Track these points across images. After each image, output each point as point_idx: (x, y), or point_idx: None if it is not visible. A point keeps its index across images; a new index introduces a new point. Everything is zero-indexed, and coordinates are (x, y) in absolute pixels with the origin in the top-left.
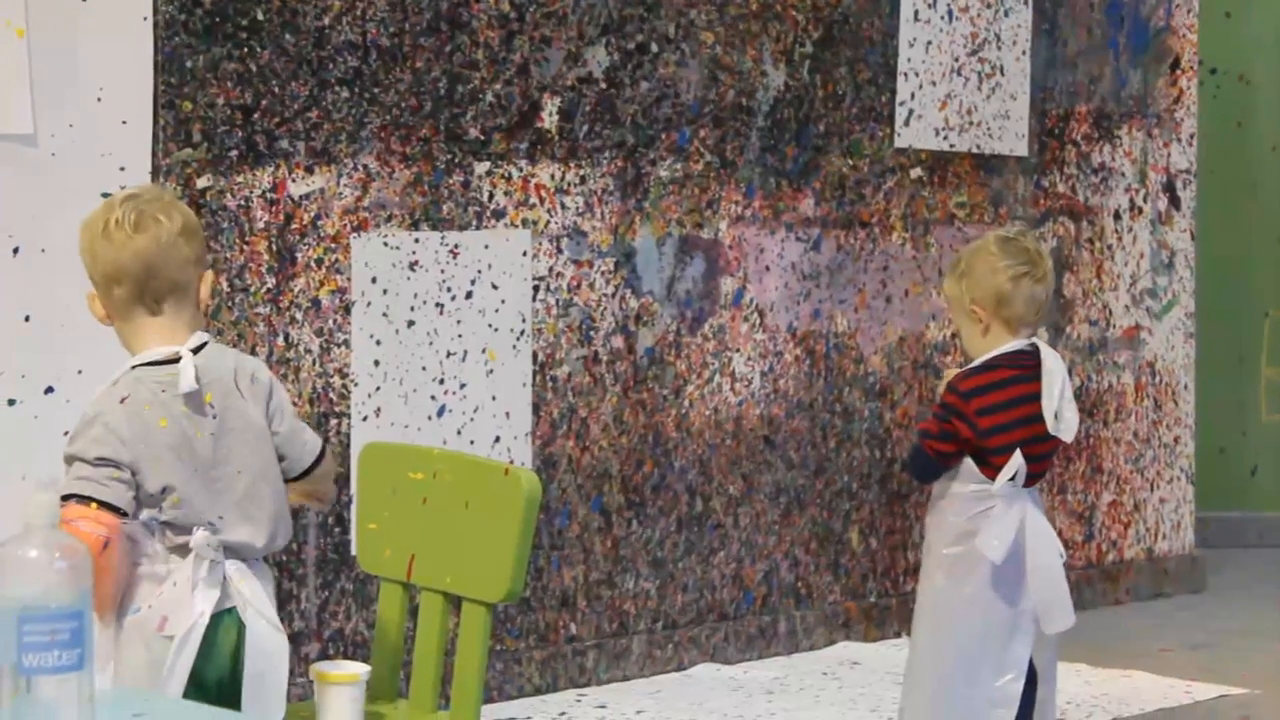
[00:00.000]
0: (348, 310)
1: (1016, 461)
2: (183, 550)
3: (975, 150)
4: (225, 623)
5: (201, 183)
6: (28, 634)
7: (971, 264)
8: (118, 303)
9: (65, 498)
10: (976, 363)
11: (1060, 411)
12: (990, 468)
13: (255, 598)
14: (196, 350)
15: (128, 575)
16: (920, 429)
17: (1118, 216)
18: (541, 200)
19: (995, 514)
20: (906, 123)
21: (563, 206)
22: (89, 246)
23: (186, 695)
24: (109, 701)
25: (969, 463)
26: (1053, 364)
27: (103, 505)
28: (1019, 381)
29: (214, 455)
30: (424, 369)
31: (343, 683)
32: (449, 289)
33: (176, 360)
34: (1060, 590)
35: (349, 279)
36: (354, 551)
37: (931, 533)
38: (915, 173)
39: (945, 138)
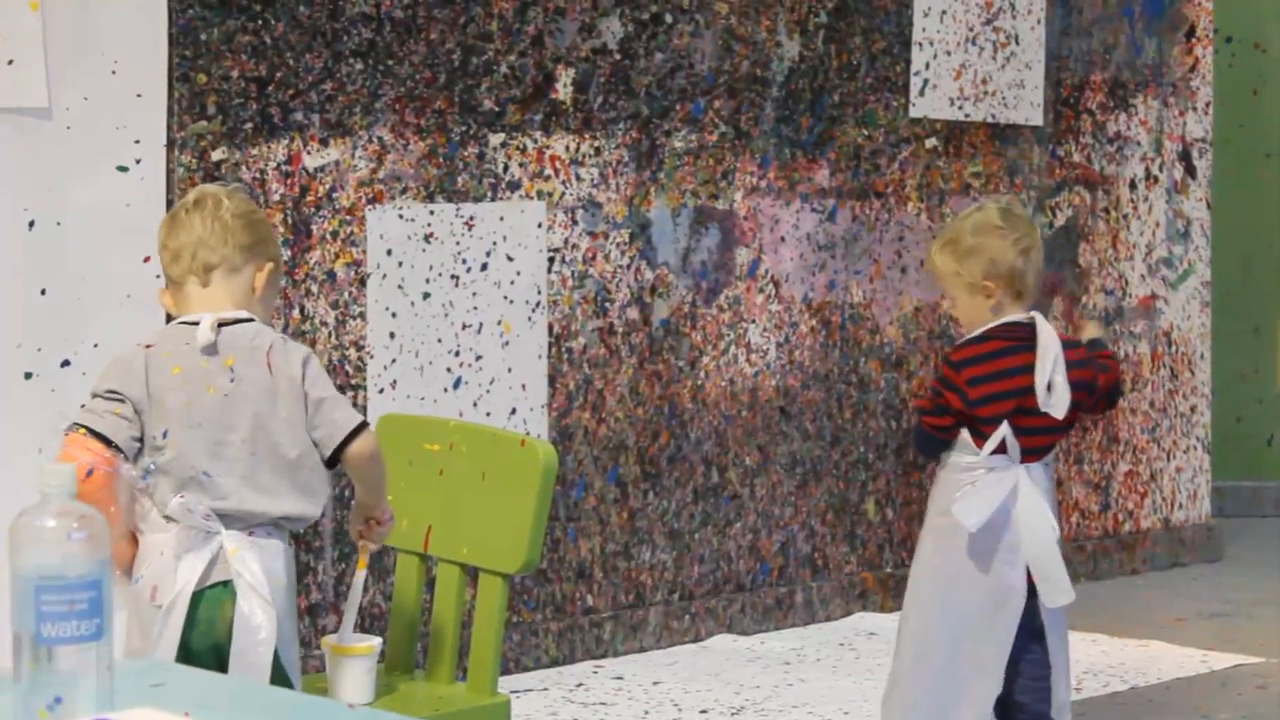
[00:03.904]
0: (363, 283)
1: (1002, 431)
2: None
3: (990, 120)
4: (218, 596)
5: (216, 155)
6: (45, 604)
7: (979, 241)
8: (176, 277)
9: (67, 431)
10: (973, 334)
11: (1052, 385)
12: (982, 438)
13: (249, 572)
14: (232, 323)
15: (127, 523)
16: (917, 406)
17: (1133, 186)
18: (556, 172)
19: (978, 483)
20: (921, 93)
21: (577, 178)
22: (160, 236)
23: None
24: (128, 671)
25: (964, 434)
26: (1048, 338)
27: (93, 434)
28: (1013, 353)
29: (221, 416)
30: (440, 341)
31: (355, 655)
32: (464, 261)
33: None
34: (1054, 566)
35: (364, 251)
36: None
37: (929, 503)
38: (930, 143)
39: (960, 107)
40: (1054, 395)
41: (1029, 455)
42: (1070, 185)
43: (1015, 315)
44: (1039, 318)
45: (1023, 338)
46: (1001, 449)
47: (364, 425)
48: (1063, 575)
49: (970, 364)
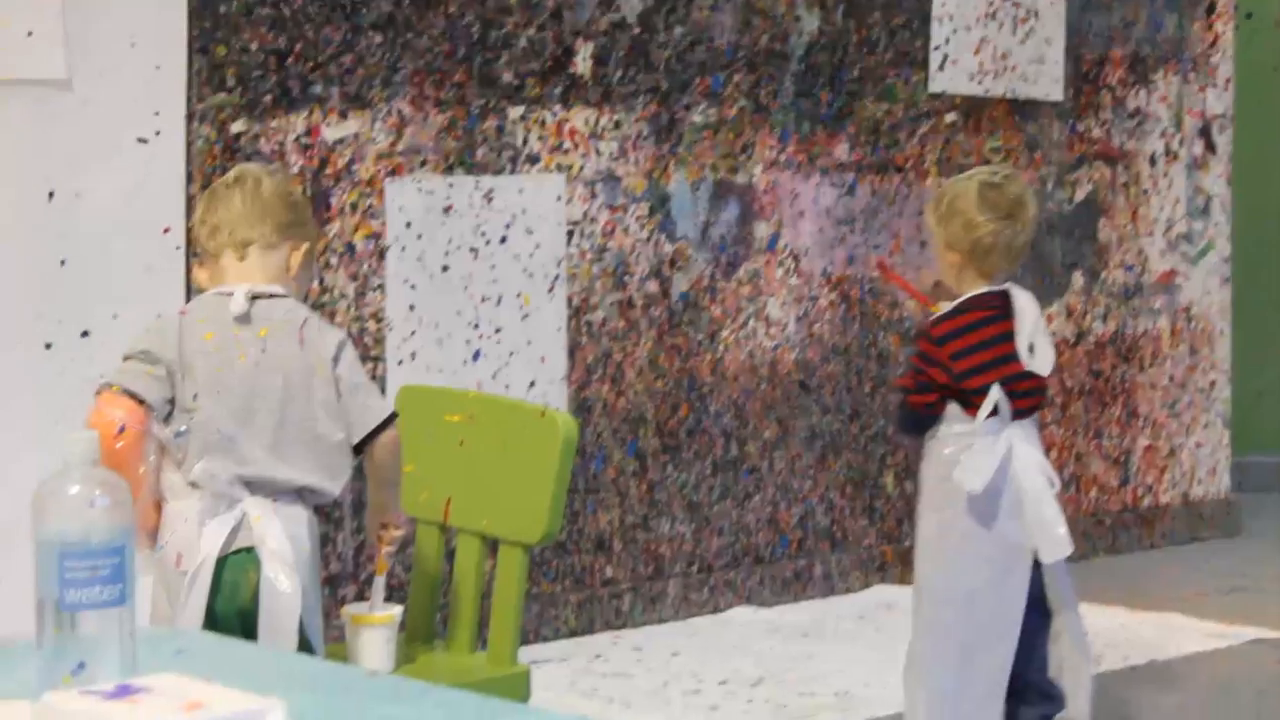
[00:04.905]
0: (382, 255)
1: (994, 396)
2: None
3: (1010, 95)
4: (242, 562)
5: (236, 127)
6: (69, 570)
7: (951, 210)
8: (213, 251)
9: (99, 390)
10: (948, 308)
11: (1034, 346)
12: (973, 408)
13: (273, 538)
14: (267, 297)
15: (153, 486)
16: (898, 385)
17: (1153, 161)
18: (575, 145)
19: (977, 446)
20: (941, 67)
21: (597, 151)
22: (198, 211)
23: None
24: (151, 638)
25: (952, 406)
26: (1024, 303)
27: (125, 392)
28: (992, 322)
29: (250, 385)
30: (459, 314)
31: (375, 624)
32: (483, 233)
33: None
34: (1052, 517)
35: (383, 223)
36: None
37: (922, 474)
38: (950, 117)
39: (980, 82)
40: (1037, 355)
41: (1017, 415)
42: (1090, 161)
43: (990, 286)
44: (1014, 287)
45: (999, 306)
46: (993, 412)
47: (394, 416)
48: (1061, 526)
49: (951, 338)
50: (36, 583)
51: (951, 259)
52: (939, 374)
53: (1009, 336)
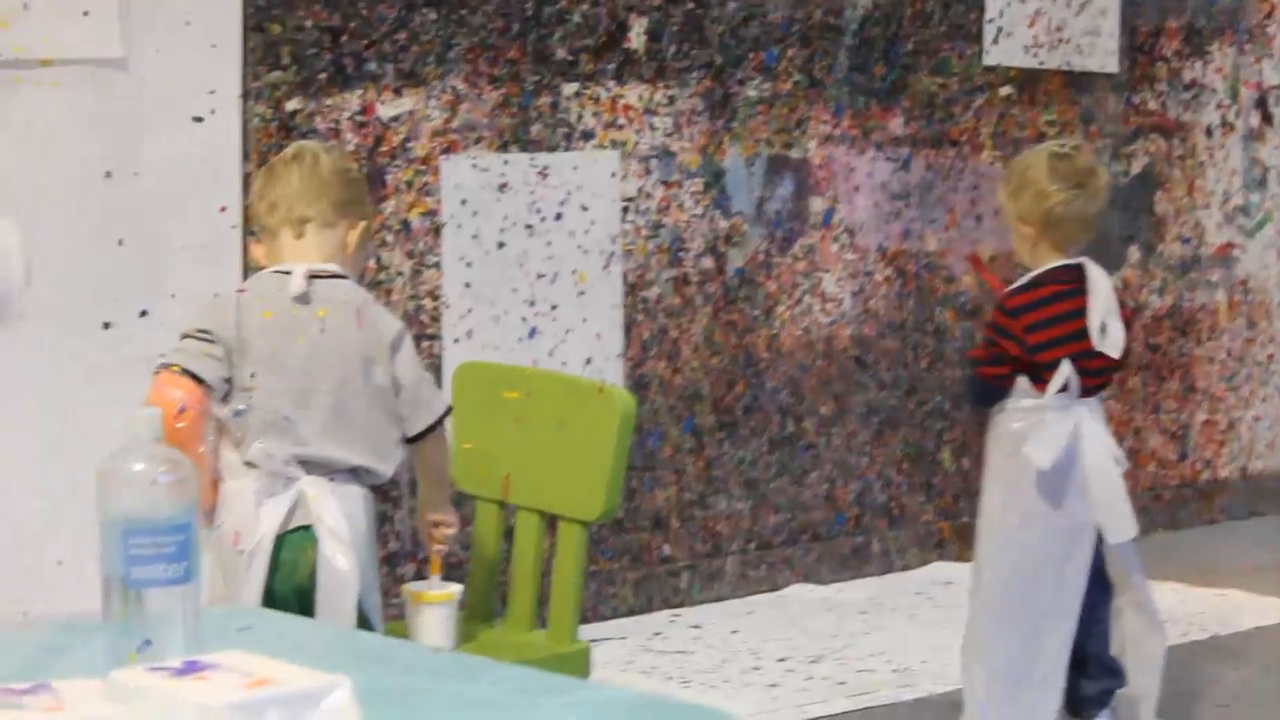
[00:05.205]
0: (438, 232)
1: (1064, 372)
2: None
3: (1065, 67)
4: (300, 541)
5: (291, 106)
6: (134, 547)
7: (1022, 184)
8: (271, 227)
9: (158, 369)
10: (1023, 280)
11: (1106, 325)
12: (1042, 383)
13: (330, 517)
14: (325, 277)
15: (212, 466)
16: (970, 357)
17: (1209, 133)
18: (630, 121)
19: (1046, 422)
20: (995, 40)
21: (651, 127)
22: (256, 187)
23: None
24: (214, 616)
25: (1021, 379)
26: (1098, 280)
27: (185, 372)
28: (1066, 297)
29: (308, 365)
30: (514, 291)
31: (436, 602)
32: (538, 210)
33: None
34: (1119, 498)
35: (439, 201)
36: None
37: (988, 449)
38: (1004, 90)
39: (1035, 55)
40: (1108, 335)
41: (1085, 392)
42: (1145, 133)
43: (1065, 260)
44: (1088, 262)
45: (1073, 280)
46: (1063, 388)
47: (449, 411)
48: (1127, 509)
49: (1026, 310)
50: (102, 561)
51: (1025, 232)
52: (1011, 346)
53: (1082, 313)
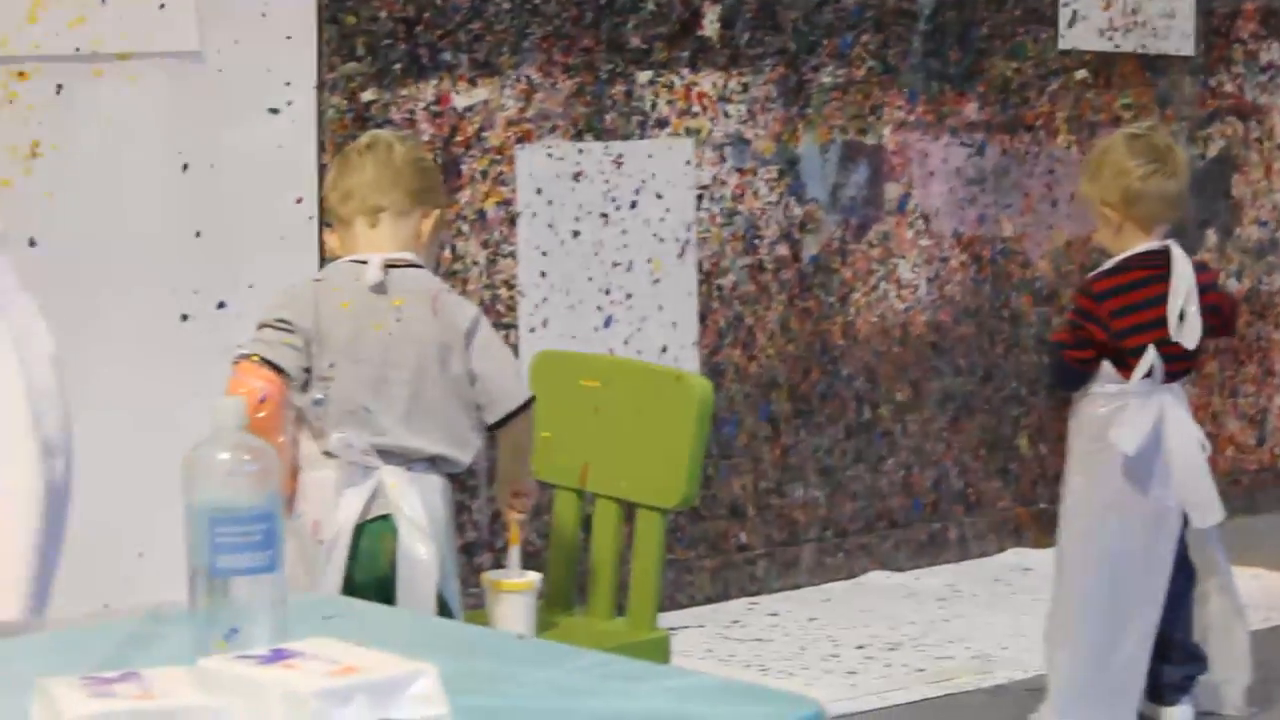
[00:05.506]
0: (513, 222)
1: (1150, 357)
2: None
3: (1140, 50)
4: (380, 530)
5: (366, 96)
6: (220, 536)
7: (1101, 164)
8: (345, 216)
9: (238, 359)
10: (1109, 264)
11: (1185, 314)
12: (1126, 368)
13: (409, 506)
14: (401, 266)
15: (291, 455)
16: (1055, 339)
17: None
18: (704, 109)
19: (1130, 408)
20: (1070, 24)
21: (725, 115)
22: (330, 176)
23: None
24: (299, 604)
25: (1105, 364)
26: (1182, 266)
27: (265, 362)
28: (1151, 282)
29: (385, 354)
30: (590, 279)
31: (516, 590)
32: (613, 199)
33: None
34: (1204, 483)
35: (514, 190)
36: None
37: (1071, 435)
38: (1080, 74)
39: (1110, 38)
40: (1185, 325)
41: (1169, 378)
42: (1222, 115)
43: (1150, 244)
44: (1174, 246)
45: (1159, 266)
46: (1147, 374)
47: (533, 399)
48: (1213, 493)
49: (1111, 295)
50: (188, 550)
51: (1108, 214)
52: (1097, 330)
53: (1166, 299)
